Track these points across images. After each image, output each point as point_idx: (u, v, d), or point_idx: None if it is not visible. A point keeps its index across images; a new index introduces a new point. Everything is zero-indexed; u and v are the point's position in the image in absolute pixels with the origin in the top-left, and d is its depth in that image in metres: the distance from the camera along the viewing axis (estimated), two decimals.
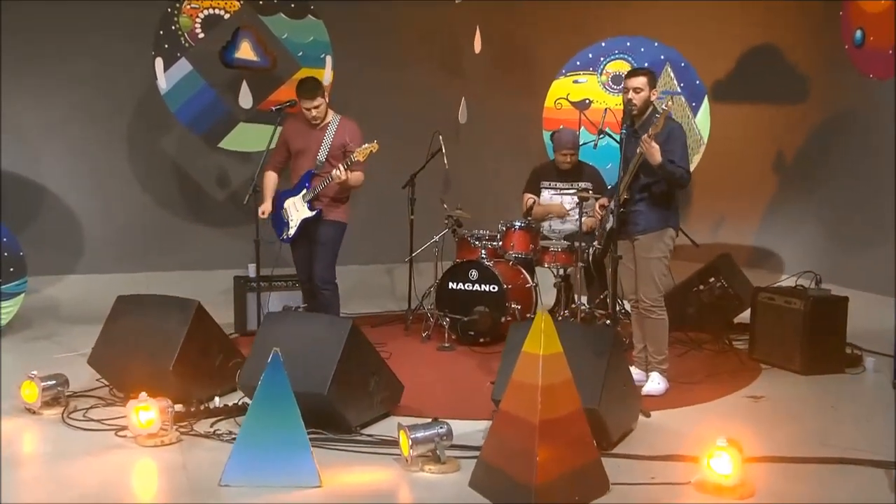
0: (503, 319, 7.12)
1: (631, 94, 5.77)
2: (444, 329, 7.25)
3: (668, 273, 5.96)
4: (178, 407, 5.08)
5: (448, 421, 4.57)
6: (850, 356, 6.69)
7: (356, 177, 6.62)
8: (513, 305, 7.17)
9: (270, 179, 6.89)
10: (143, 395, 4.74)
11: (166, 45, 7.98)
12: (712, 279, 7.61)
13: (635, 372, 5.97)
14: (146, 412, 4.71)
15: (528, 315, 7.31)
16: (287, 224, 6.77)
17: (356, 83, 9.01)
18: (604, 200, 6.11)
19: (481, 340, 7.21)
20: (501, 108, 9.88)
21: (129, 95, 8.86)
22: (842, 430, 5.31)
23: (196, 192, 9.33)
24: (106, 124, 8.89)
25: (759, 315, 6.87)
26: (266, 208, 6.77)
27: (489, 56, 9.78)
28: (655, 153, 5.54)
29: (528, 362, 4.03)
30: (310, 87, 6.62)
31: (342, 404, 4.89)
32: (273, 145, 6.80)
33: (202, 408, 5.19)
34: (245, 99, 8.20)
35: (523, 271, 7.48)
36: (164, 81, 7.98)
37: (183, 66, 8.04)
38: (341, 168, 6.44)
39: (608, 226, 6.00)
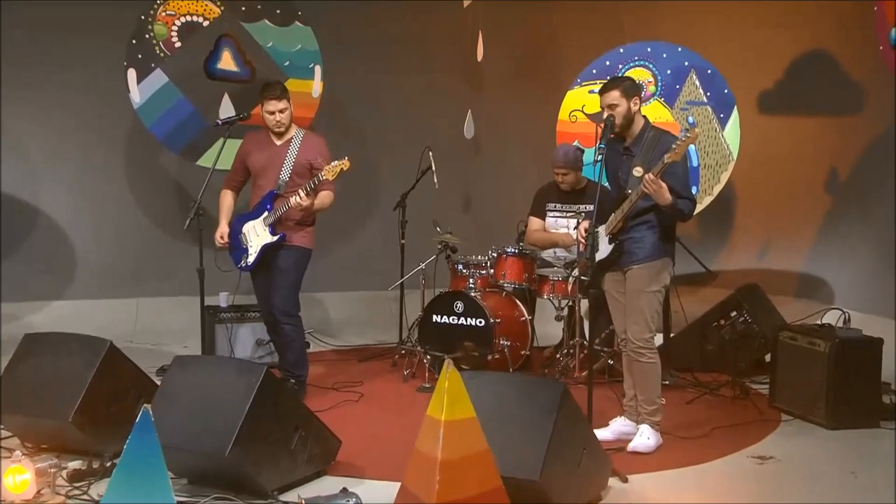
0: (490, 357, 6.52)
1: (607, 113, 5.19)
2: (427, 366, 6.64)
3: (661, 311, 5.34)
4: (76, 464, 4.50)
5: (385, 483, 4.11)
6: (888, 407, 5.84)
7: (323, 198, 6.10)
8: (501, 342, 6.59)
9: (227, 200, 6.37)
10: (17, 453, 4.18)
11: (140, 55, 7.56)
12: (734, 313, 6.90)
13: (624, 424, 5.36)
14: (20, 474, 4.13)
15: (522, 353, 6.81)
16: (246, 251, 6.23)
17: (349, 96, 8.63)
18: (585, 224, 5.38)
19: None
20: (523, 120, 9.27)
21: (129, 112, 8.38)
22: None
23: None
24: (104, 141, 8.51)
25: (781, 357, 6.14)
26: (223, 231, 6.24)
27: (506, 63, 9.30)
28: (664, 194, 4.93)
29: (429, 429, 3.35)
30: (276, 87, 6.17)
31: (252, 465, 4.26)
32: (220, 164, 6.31)
33: (109, 464, 4.58)
34: (226, 113, 7.67)
35: (518, 303, 6.89)
36: (137, 94, 7.57)
37: (158, 78, 7.62)
38: (301, 194, 5.90)
39: (597, 255, 5.27)
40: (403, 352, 7.17)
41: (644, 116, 5.24)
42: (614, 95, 5.15)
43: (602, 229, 5.26)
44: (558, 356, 6.79)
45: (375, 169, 8.98)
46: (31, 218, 8.42)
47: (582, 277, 6.32)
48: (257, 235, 6.18)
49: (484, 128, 8.93)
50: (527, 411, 3.99)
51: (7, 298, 7.97)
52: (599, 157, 5.01)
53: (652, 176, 4.84)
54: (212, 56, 7.77)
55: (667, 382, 6.32)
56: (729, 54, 8.31)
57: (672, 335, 6.91)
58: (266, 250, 6.14)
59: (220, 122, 6.13)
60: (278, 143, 6.18)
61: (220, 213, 6.31)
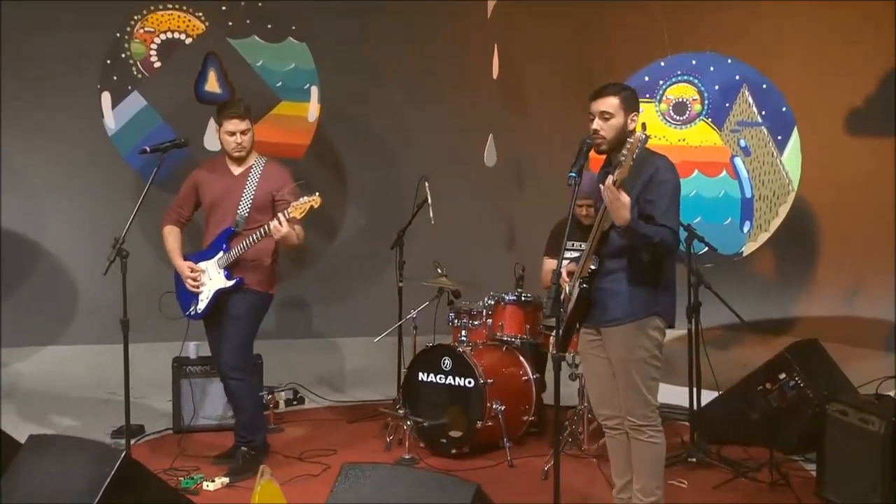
0: (479, 424, 5.73)
1: (597, 123, 4.33)
2: (409, 434, 5.86)
3: (659, 375, 4.39)
4: None
5: None
6: None
7: (299, 232, 5.46)
8: (495, 406, 5.76)
9: (173, 237, 5.76)
10: None
11: (115, 77, 7.33)
12: (783, 375, 5.90)
13: None
14: None
15: (524, 419, 6.02)
16: (196, 296, 5.61)
17: (350, 120, 8.16)
18: (572, 266, 4.56)
19: (453, 451, 5.84)
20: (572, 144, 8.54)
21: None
22: None
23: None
24: (111, 174, 8.07)
25: (830, 435, 5.13)
26: (189, 266, 5.61)
27: (548, 81, 8.70)
28: (621, 208, 4.04)
29: None
30: (238, 104, 5.62)
31: None
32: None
33: None
34: (212, 140, 7.24)
35: (521, 360, 6.12)
36: (111, 120, 7.33)
37: (135, 101, 7.36)
38: (281, 218, 5.22)
39: (569, 306, 4.42)
40: (401, 412, 6.36)
41: (638, 136, 4.35)
42: (612, 103, 4.32)
43: (574, 273, 4.41)
44: (566, 422, 6.01)
45: (387, 202, 8.43)
46: (31, 257, 8.17)
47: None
48: (210, 279, 5.59)
49: (525, 153, 8.47)
50: None
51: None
52: (571, 184, 4.17)
53: (609, 182, 4.01)
54: (200, 77, 7.48)
55: (692, 460, 5.55)
56: (800, 64, 7.75)
57: (699, 398, 5.96)
58: (219, 296, 5.55)
59: (147, 150, 5.41)
60: (236, 171, 5.61)
61: (169, 254, 5.71)
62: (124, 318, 5.32)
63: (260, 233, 5.31)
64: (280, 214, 5.22)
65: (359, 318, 8.32)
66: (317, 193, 5.23)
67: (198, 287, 5.58)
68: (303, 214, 5.22)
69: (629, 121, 4.31)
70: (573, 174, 4.16)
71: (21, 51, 7.69)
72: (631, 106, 4.33)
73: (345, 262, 8.66)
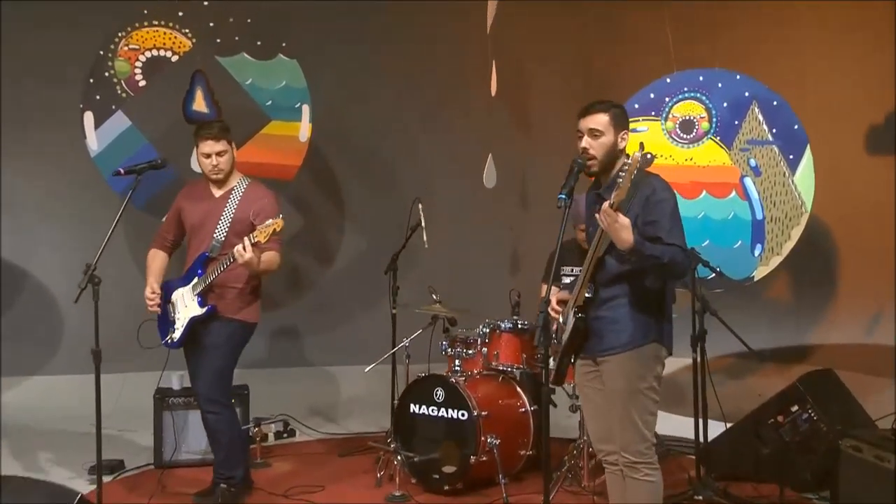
0: (473, 459, 5.50)
1: (586, 141, 4.16)
2: (399, 469, 5.64)
3: (657, 409, 4.17)
4: None
5: None
6: None
7: (270, 258, 5.27)
8: (489, 440, 5.53)
9: (156, 261, 5.60)
10: None
11: (98, 96, 7.19)
12: (795, 408, 5.63)
13: None
14: None
15: (521, 453, 5.79)
16: (172, 324, 5.42)
17: (346, 140, 8.02)
18: (563, 294, 4.34)
19: (446, 488, 5.62)
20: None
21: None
22: None
23: None
24: (95, 197, 7.86)
25: (844, 472, 4.99)
26: (153, 287, 5.44)
27: (552, 97, 8.61)
28: (620, 230, 3.86)
29: None
30: (214, 125, 5.45)
31: None
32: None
33: None
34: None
35: (518, 391, 5.90)
36: (94, 141, 7.18)
37: (119, 121, 7.22)
38: (246, 243, 5.04)
39: (564, 336, 4.20)
40: (392, 446, 6.13)
41: (627, 156, 4.16)
42: (601, 120, 4.16)
43: (569, 301, 4.19)
44: (565, 457, 5.78)
45: (387, 225, 8.18)
46: (15, 283, 8.01)
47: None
48: (185, 306, 5.39)
49: (529, 172, 8.37)
50: None
51: None
52: (561, 206, 3.96)
53: (606, 206, 3.82)
54: (188, 96, 7.34)
55: (699, 497, 5.31)
56: (814, 80, 7.69)
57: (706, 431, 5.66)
58: (194, 324, 5.34)
59: (122, 172, 5.16)
60: (217, 194, 5.43)
61: (147, 273, 5.54)
62: (96, 348, 5.04)
63: (229, 258, 5.12)
64: (245, 238, 5.05)
65: (355, 346, 8.10)
66: (280, 216, 5.07)
67: (156, 308, 5.42)
68: (267, 238, 5.04)
69: (619, 139, 4.17)
70: (563, 196, 3.99)
71: (1, 69, 7.59)
72: (621, 124, 4.19)
73: (342, 288, 8.49)
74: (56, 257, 7.94)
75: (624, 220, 3.81)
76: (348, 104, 8.13)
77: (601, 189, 4.19)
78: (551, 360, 4.21)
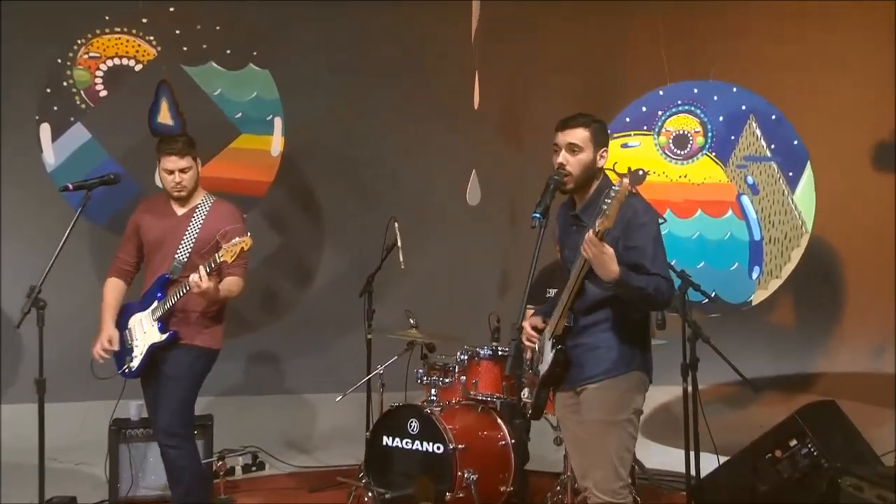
0: (448, 496, 5.30)
1: (563, 156, 4.00)
2: None
3: (634, 445, 4.07)
4: None
5: None
6: None
7: (230, 283, 5.04)
8: (467, 475, 5.32)
9: (111, 292, 5.31)
10: None
11: (55, 108, 7.03)
12: (794, 442, 5.50)
13: None
14: None
15: (501, 489, 5.55)
16: (130, 352, 5.16)
17: (318, 155, 7.89)
18: (536, 320, 4.17)
19: None
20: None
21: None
22: None
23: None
24: (53, 214, 7.41)
25: None
26: (110, 335, 5.16)
27: (544, 111, 8.13)
28: (606, 262, 3.71)
29: None
30: (178, 140, 5.24)
31: None
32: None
33: None
34: None
35: (498, 422, 5.68)
36: (51, 155, 6.98)
37: (78, 134, 7.06)
38: (202, 272, 4.81)
39: (542, 367, 4.02)
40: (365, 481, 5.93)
41: (605, 175, 4.07)
42: (581, 135, 4.00)
43: (546, 330, 4.00)
44: (548, 493, 5.61)
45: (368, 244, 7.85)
46: None
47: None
48: (144, 332, 5.12)
49: (518, 189, 8.16)
50: None
51: None
52: (535, 225, 3.82)
53: (591, 235, 3.64)
54: (153, 108, 7.17)
55: None
56: (815, 94, 7.70)
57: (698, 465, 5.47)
58: (154, 351, 5.08)
59: (70, 188, 5.00)
60: (180, 212, 5.19)
61: (102, 310, 5.25)
62: (40, 377, 4.94)
63: (186, 285, 4.89)
64: (201, 267, 4.82)
65: (331, 373, 7.86)
66: (248, 234, 4.87)
67: (110, 347, 5.16)
68: (234, 258, 4.83)
69: (598, 157, 4.02)
70: (537, 214, 3.83)
71: None
72: (600, 141, 4.05)
73: (320, 312, 8.25)
74: (14, 279, 7.60)
75: (609, 251, 3.66)
76: (323, 117, 7.97)
77: (577, 210, 4.02)
78: (528, 392, 4.04)
